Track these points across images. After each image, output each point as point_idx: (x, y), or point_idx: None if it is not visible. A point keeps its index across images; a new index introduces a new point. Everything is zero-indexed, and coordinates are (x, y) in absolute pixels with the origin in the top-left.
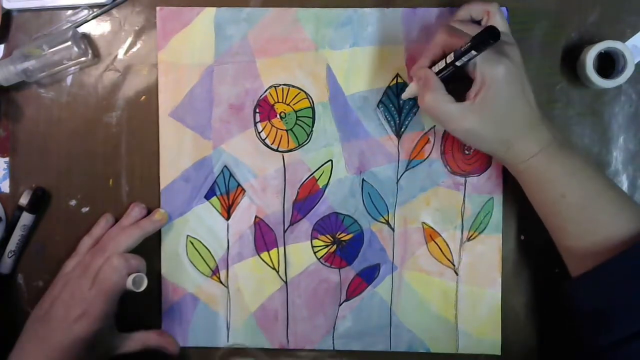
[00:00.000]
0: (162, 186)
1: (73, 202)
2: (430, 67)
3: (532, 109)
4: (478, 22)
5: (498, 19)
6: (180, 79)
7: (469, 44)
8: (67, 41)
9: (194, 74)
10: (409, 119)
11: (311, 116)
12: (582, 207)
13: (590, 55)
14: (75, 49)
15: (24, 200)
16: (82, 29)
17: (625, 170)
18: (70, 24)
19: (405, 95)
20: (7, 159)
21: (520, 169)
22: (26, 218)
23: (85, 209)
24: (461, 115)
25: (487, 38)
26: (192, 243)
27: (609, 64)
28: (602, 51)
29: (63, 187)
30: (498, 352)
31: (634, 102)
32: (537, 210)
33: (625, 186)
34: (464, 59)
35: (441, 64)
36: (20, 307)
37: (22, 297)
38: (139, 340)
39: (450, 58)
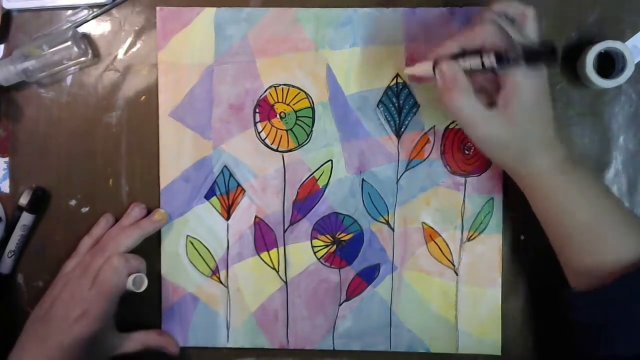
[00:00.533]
0: (162, 186)
1: (73, 202)
2: (456, 57)
3: (551, 124)
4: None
5: (534, 26)
6: (180, 79)
7: (521, 54)
8: (67, 41)
9: (194, 74)
10: (409, 118)
11: (311, 116)
12: (590, 226)
13: (590, 55)
14: (75, 49)
15: (24, 200)
16: (82, 29)
17: (625, 170)
18: (70, 24)
19: (409, 71)
20: (7, 159)
21: (531, 183)
22: (26, 218)
23: (85, 209)
24: (487, 122)
25: (544, 58)
26: (192, 243)
27: (609, 64)
28: (602, 51)
29: (63, 187)
30: (498, 352)
31: (634, 102)
32: (542, 222)
33: (625, 186)
34: (507, 67)
35: (475, 64)
36: (20, 307)
37: (22, 297)
38: (138, 340)
39: (490, 62)
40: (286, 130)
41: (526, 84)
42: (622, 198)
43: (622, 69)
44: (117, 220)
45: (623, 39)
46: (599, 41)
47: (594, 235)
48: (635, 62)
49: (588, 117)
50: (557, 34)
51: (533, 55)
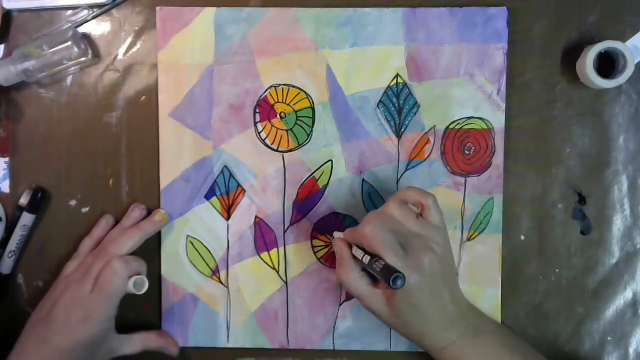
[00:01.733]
0: (162, 186)
1: (73, 202)
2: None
3: (449, 307)
4: None
5: (432, 213)
6: (180, 79)
7: (379, 272)
8: (67, 41)
9: (193, 74)
10: (409, 119)
11: (311, 116)
12: None
13: (590, 55)
14: (75, 49)
15: (24, 200)
16: (82, 29)
17: (625, 170)
18: (70, 24)
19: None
20: (7, 159)
21: (435, 356)
22: (26, 218)
23: (85, 209)
24: (373, 299)
25: (389, 285)
26: (192, 243)
27: (609, 64)
28: (602, 51)
29: (63, 187)
30: None
31: (634, 102)
32: None
33: (625, 186)
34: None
35: (359, 254)
36: (20, 307)
37: (22, 297)
38: (138, 341)
39: (365, 259)
40: (286, 130)
41: (407, 292)
42: (622, 198)
43: (622, 69)
44: (117, 221)
45: (623, 39)
46: (599, 41)
47: None
48: (635, 62)
49: (588, 117)
50: (557, 34)
51: (384, 277)
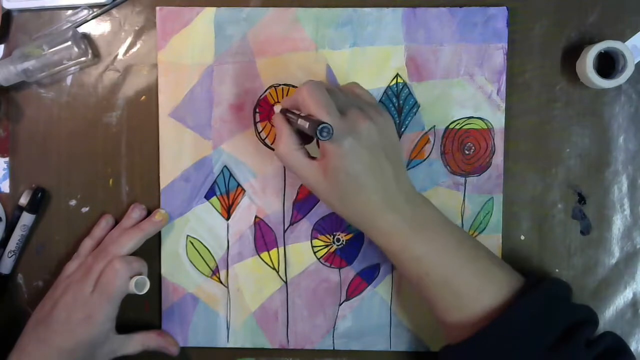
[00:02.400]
0: (162, 186)
1: (73, 202)
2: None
3: (392, 187)
4: None
5: (358, 90)
6: (180, 79)
7: (308, 125)
8: (67, 41)
9: (193, 74)
10: (409, 119)
11: None
12: (444, 284)
13: (590, 55)
14: (75, 49)
15: (24, 200)
16: (82, 29)
17: (625, 170)
18: (70, 24)
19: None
20: (7, 159)
21: (381, 247)
22: (26, 218)
23: (85, 209)
24: (310, 171)
25: (316, 134)
26: (192, 243)
27: (609, 64)
28: (602, 51)
29: (63, 187)
30: None
31: (634, 102)
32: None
33: (625, 186)
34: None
35: (294, 117)
36: (20, 307)
37: (22, 297)
38: (138, 341)
39: (301, 120)
40: None
41: (334, 150)
42: (622, 198)
43: (622, 69)
44: (117, 221)
45: (623, 39)
46: (599, 41)
47: (450, 292)
48: (635, 62)
49: (588, 117)
50: (557, 34)
51: (312, 128)
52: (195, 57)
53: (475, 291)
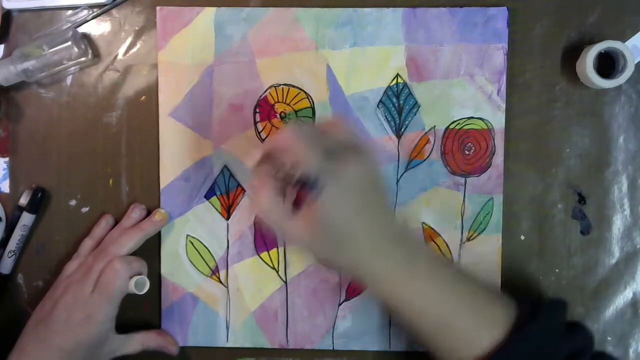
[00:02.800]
0: (162, 186)
1: (73, 202)
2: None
3: (380, 231)
4: None
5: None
6: (180, 79)
7: (287, 174)
8: (67, 41)
9: (194, 74)
10: (409, 119)
11: (311, 116)
12: (439, 326)
13: (590, 55)
14: (75, 49)
15: (24, 200)
16: (82, 29)
17: (625, 170)
18: (70, 24)
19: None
20: (7, 159)
21: (374, 291)
22: (26, 218)
23: (85, 209)
24: (293, 227)
25: (301, 183)
26: (192, 243)
27: (609, 64)
28: (602, 51)
29: (63, 187)
30: None
31: (634, 102)
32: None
33: (625, 186)
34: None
35: (281, 173)
36: (20, 307)
37: (22, 297)
38: (138, 341)
39: (283, 171)
40: None
41: (326, 204)
42: (622, 198)
43: (622, 69)
44: (117, 220)
45: (623, 39)
46: (599, 41)
47: (447, 334)
48: (635, 62)
49: (588, 117)
50: (557, 34)
51: (300, 180)
52: (195, 57)
53: (471, 331)
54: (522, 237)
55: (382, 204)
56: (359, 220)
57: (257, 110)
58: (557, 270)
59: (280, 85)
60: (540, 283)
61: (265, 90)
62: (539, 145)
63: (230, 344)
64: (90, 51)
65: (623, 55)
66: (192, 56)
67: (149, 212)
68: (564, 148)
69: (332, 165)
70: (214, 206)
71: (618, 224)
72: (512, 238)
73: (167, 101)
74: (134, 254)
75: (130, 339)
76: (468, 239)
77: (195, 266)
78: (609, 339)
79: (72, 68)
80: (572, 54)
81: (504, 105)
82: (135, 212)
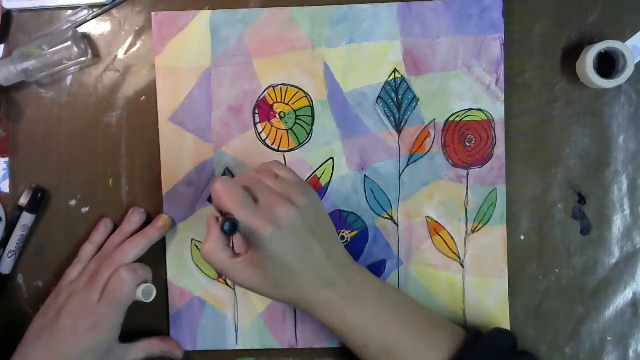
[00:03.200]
0: (164, 191)
1: (73, 202)
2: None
3: (324, 265)
4: None
5: (286, 173)
6: (178, 83)
7: (221, 225)
8: (67, 41)
9: (191, 78)
10: (409, 113)
11: (310, 115)
12: (385, 355)
13: (590, 55)
14: (75, 49)
15: (24, 200)
16: (82, 29)
17: (625, 170)
18: (70, 24)
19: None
20: (7, 159)
21: (321, 322)
22: (26, 218)
23: (85, 209)
24: (237, 270)
25: (223, 231)
26: (197, 247)
27: (609, 64)
28: (602, 51)
29: (63, 187)
30: None
31: (634, 102)
32: None
33: (625, 186)
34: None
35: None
36: (20, 307)
37: (22, 297)
38: (141, 349)
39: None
40: (286, 130)
41: (256, 240)
42: (622, 198)
43: (622, 69)
44: (116, 222)
45: (623, 39)
46: (599, 41)
47: (391, 359)
48: (635, 62)
49: (588, 117)
50: (557, 34)
51: (222, 223)
52: (192, 61)
53: (415, 356)
54: (522, 237)
55: (324, 237)
56: (299, 258)
57: (257, 111)
58: (557, 270)
59: (278, 85)
60: (540, 283)
61: (264, 91)
62: (539, 145)
63: (239, 346)
64: (90, 51)
65: (623, 55)
66: (189, 60)
67: (148, 215)
68: (564, 148)
69: (265, 210)
70: None
71: (618, 224)
72: (512, 238)
73: (167, 106)
74: (140, 260)
75: (133, 347)
76: (473, 231)
77: (201, 270)
78: (609, 339)
79: (72, 68)
80: (572, 54)
81: (502, 96)
82: (135, 216)
